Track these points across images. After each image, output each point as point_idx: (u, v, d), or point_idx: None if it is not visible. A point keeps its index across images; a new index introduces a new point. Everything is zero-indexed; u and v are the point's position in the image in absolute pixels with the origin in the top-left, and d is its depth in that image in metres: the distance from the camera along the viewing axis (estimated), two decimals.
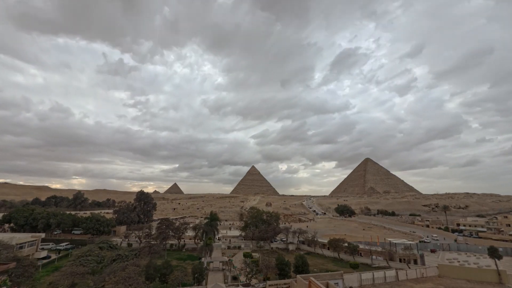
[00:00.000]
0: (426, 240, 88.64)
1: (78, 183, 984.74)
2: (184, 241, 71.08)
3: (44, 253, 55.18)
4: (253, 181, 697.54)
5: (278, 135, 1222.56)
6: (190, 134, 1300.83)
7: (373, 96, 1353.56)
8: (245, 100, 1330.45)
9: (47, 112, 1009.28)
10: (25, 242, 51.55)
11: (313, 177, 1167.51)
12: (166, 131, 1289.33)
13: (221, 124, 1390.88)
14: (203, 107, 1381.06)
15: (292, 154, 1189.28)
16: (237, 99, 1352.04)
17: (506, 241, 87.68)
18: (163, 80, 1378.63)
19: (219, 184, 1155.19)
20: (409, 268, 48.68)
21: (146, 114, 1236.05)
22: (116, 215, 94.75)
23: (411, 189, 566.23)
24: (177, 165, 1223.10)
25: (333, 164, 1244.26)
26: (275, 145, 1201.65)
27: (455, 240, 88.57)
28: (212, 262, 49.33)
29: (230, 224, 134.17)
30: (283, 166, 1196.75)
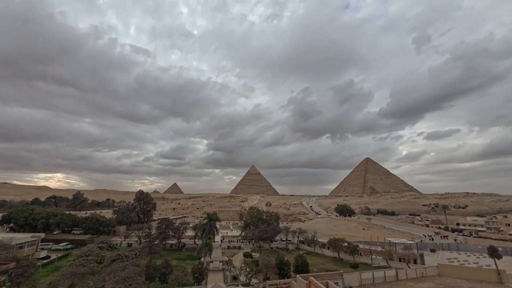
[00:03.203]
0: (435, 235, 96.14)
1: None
2: (184, 241, 71.05)
3: (44, 253, 55.14)
4: (253, 181, 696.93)
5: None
6: None
7: None
8: None
9: None
10: (25, 242, 51.48)
11: None
12: None
13: None
14: None
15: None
16: None
17: (506, 240, 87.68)
18: None
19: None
20: (409, 267, 48.66)
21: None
22: (116, 215, 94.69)
23: (411, 188, 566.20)
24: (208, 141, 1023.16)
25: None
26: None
27: (455, 240, 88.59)
28: (212, 262, 49.32)
29: (228, 223, 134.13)
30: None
